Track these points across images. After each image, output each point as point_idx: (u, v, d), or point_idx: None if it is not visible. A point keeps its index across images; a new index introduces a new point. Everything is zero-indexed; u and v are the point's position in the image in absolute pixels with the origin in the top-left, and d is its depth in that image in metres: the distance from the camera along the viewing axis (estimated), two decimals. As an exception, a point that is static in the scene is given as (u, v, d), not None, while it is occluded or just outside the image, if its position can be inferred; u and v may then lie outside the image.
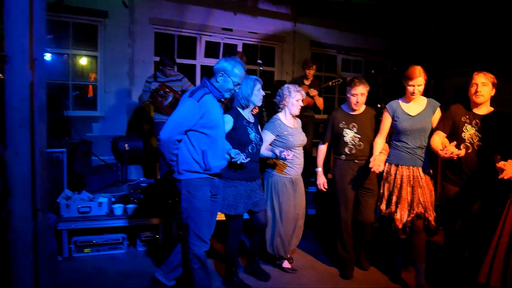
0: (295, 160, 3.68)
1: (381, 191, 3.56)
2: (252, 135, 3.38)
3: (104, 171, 5.33)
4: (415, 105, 3.47)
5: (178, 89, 5.23)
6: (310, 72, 5.75)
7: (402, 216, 3.38)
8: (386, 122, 3.56)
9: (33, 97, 2.26)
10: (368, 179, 3.69)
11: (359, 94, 3.60)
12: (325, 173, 4.07)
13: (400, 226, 3.39)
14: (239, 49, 7.63)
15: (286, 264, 3.88)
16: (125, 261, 4.02)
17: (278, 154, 3.37)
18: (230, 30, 7.36)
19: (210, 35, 7.28)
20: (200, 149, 2.86)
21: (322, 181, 3.88)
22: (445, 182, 3.41)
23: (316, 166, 3.94)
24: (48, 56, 6.06)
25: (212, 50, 7.33)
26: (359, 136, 3.65)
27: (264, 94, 3.53)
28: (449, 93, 7.86)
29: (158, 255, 4.12)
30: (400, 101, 3.54)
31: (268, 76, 8.07)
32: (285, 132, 3.66)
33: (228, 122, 3.30)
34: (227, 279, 3.52)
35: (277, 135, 3.67)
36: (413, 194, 3.37)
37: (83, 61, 6.58)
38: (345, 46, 8.69)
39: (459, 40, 7.64)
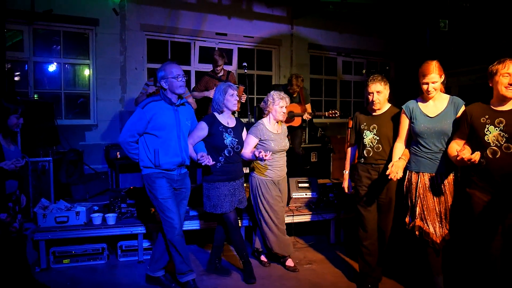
0: (275, 163, 3.78)
1: (404, 201, 3.23)
2: (228, 140, 3.55)
3: (92, 180, 5.26)
4: (435, 104, 3.09)
5: None
6: (296, 90, 5.62)
7: (435, 229, 3.04)
8: (404, 124, 3.22)
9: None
10: (386, 186, 3.35)
11: (374, 92, 3.31)
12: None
13: (438, 240, 3.03)
14: (235, 53, 7.54)
15: (290, 262, 3.95)
16: (104, 272, 3.90)
17: (257, 155, 3.44)
18: (225, 34, 7.29)
19: (204, 40, 7.22)
20: (152, 148, 3.24)
21: (346, 185, 3.69)
22: (470, 190, 2.88)
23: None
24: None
25: (207, 55, 7.24)
26: (377, 138, 3.38)
27: (238, 99, 3.70)
28: (454, 93, 7.58)
29: (138, 265, 4.03)
30: (418, 101, 3.18)
31: (266, 80, 7.97)
32: (267, 137, 3.75)
33: (203, 128, 3.54)
34: (242, 270, 3.78)
35: (260, 139, 3.75)
36: (440, 204, 3.04)
37: (75, 69, 6.57)
38: (345, 48, 8.53)
39: (462, 37, 7.37)
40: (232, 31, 7.34)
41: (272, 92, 3.86)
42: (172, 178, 3.31)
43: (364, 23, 8.35)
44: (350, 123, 3.66)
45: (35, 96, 6.02)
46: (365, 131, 3.43)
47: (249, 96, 5.36)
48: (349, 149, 3.74)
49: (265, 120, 3.85)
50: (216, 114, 3.63)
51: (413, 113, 3.15)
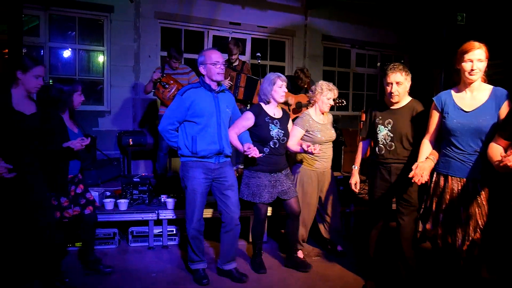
0: (322, 154, 3.76)
1: (427, 205, 2.82)
2: (274, 132, 3.50)
3: (104, 166, 5.32)
4: (473, 96, 2.57)
5: (185, 82, 5.14)
6: (306, 82, 5.59)
7: (457, 242, 2.60)
8: (434, 118, 2.75)
9: None
10: (404, 189, 3.07)
11: (394, 82, 2.97)
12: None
13: (458, 251, 2.64)
14: (248, 43, 7.51)
15: (300, 254, 3.93)
16: (115, 256, 3.96)
17: (305, 149, 3.38)
18: (238, 24, 7.24)
19: (217, 30, 7.19)
20: (190, 135, 3.23)
21: (354, 181, 3.42)
22: None
23: None
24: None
25: (220, 44, 7.22)
26: (391, 135, 3.06)
27: (287, 90, 3.58)
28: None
29: (149, 251, 4.09)
30: (452, 91, 2.68)
31: (279, 71, 7.89)
32: (314, 128, 3.73)
33: (249, 119, 3.48)
34: (252, 260, 3.78)
35: (306, 131, 3.73)
36: (468, 215, 2.56)
37: (90, 56, 6.61)
38: (359, 40, 8.43)
39: (478, 31, 7.23)
40: (246, 20, 7.29)
41: (320, 82, 3.81)
42: (208, 167, 3.28)
43: (378, 15, 8.24)
44: (363, 116, 3.57)
45: (50, 81, 6.08)
46: (379, 126, 3.13)
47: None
48: (360, 144, 3.47)
49: (311, 111, 3.80)
50: (262, 104, 3.57)
51: (445, 105, 2.67)
